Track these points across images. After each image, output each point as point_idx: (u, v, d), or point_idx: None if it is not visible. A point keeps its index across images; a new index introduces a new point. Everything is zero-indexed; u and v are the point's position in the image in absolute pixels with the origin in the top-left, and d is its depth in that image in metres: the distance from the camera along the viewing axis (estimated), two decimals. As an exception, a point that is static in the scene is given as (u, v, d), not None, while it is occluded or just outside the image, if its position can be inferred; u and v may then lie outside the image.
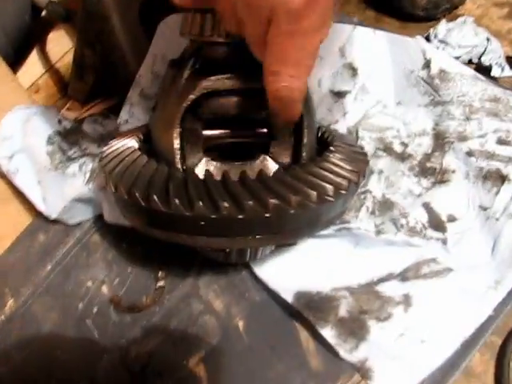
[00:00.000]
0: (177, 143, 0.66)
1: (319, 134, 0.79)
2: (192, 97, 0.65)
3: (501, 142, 0.82)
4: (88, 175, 0.86)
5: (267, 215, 0.59)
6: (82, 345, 0.82)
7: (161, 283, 0.85)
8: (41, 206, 0.90)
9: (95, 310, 0.85)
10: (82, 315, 0.85)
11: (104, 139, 0.95)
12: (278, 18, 0.50)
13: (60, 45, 1.24)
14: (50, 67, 1.23)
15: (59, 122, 0.93)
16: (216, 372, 0.77)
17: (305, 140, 0.69)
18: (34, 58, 1.21)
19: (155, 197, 0.59)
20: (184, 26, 0.67)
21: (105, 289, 0.87)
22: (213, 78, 0.65)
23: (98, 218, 0.93)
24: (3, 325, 0.86)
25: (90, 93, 1.23)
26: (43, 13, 1.18)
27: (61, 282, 0.89)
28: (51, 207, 0.89)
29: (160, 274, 0.85)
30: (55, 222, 0.93)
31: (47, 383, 0.81)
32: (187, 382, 0.77)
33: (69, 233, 0.93)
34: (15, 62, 1.15)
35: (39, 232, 0.94)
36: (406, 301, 0.75)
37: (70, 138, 0.91)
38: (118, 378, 0.79)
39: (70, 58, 1.23)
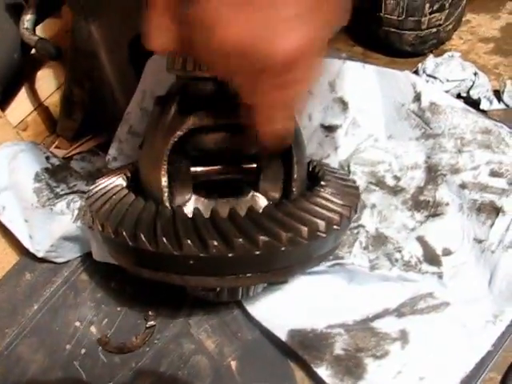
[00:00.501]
0: (164, 180, 0.65)
1: (310, 168, 0.78)
2: (179, 133, 0.64)
3: (494, 174, 0.81)
4: (76, 213, 0.84)
5: (257, 253, 0.57)
6: (70, 387, 0.80)
7: (151, 323, 0.82)
8: (28, 244, 0.88)
9: (83, 351, 0.82)
10: (70, 356, 0.82)
11: (93, 176, 0.94)
12: (266, 73, 0.49)
13: (49, 83, 1.24)
14: (38, 105, 1.23)
15: (47, 158, 0.92)
16: (209, 415, 0.75)
17: (295, 175, 0.68)
18: (22, 96, 1.20)
19: (142, 236, 0.58)
20: (170, 61, 0.67)
21: (93, 329, 0.84)
22: (199, 113, 0.64)
23: (86, 257, 0.91)
24: (-13, 368, 0.83)
25: (79, 130, 1.22)
26: (32, 51, 1.17)
27: (48, 323, 0.86)
28: (38, 245, 0.87)
29: (150, 313, 0.83)
30: (42, 260, 0.91)
31: (32, 429, 0.77)
32: (179, 426, 0.75)
33: (56, 272, 0.91)
34: (4, 100, 1.14)
35: (26, 271, 0.92)
36: (403, 337, 0.73)
37: (58, 175, 0.90)
38: (107, 422, 0.76)
39: (58, 96, 1.23)
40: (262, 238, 0.56)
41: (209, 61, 0.53)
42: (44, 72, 1.23)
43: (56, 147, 1.22)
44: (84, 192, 0.87)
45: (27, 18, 1.09)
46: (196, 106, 0.65)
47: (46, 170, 0.89)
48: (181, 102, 0.66)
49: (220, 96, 0.65)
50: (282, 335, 0.75)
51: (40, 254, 0.88)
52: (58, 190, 0.87)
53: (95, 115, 1.16)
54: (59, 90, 1.24)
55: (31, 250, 0.88)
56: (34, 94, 1.23)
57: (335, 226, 0.62)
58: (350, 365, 0.72)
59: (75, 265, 0.91)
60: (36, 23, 1.12)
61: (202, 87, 0.66)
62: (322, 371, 0.71)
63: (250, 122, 0.55)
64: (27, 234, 0.88)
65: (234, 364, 0.78)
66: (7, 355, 0.84)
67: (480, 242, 0.79)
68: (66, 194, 0.87)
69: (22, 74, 1.20)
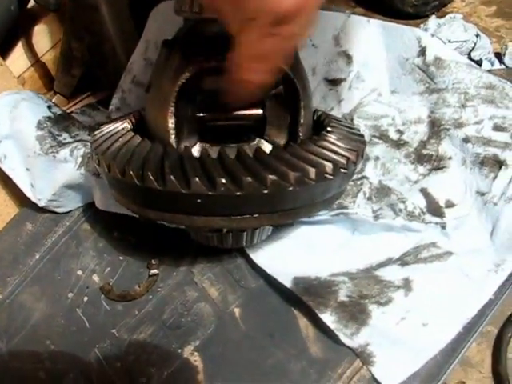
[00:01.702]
0: (171, 122, 0.65)
1: (315, 117, 0.78)
2: (187, 74, 0.64)
3: (497, 128, 0.82)
4: (80, 160, 0.84)
5: (265, 192, 0.57)
6: (73, 334, 0.80)
7: (154, 271, 0.82)
8: (29, 193, 0.87)
9: (86, 299, 0.83)
10: (72, 304, 0.82)
11: (94, 129, 0.93)
12: (262, 20, 0.49)
13: (46, 38, 1.22)
14: (35, 61, 1.21)
15: (49, 107, 0.91)
16: (212, 361, 0.75)
17: (302, 120, 0.69)
18: (19, 51, 1.18)
19: (150, 174, 0.57)
20: (178, 4, 0.66)
21: (96, 278, 0.84)
22: (207, 55, 0.64)
23: (88, 207, 0.90)
24: (-11, 315, 0.83)
25: (77, 88, 1.21)
26: (29, 5, 1.15)
27: (50, 271, 0.86)
28: (40, 194, 0.87)
29: (153, 262, 0.83)
30: (43, 211, 0.90)
31: (35, 374, 0.77)
32: (182, 371, 0.75)
33: (58, 221, 0.90)
34: (0, 55, 1.13)
35: (27, 221, 0.91)
36: (407, 285, 0.74)
37: (60, 124, 0.89)
38: (111, 368, 0.76)
39: (56, 51, 1.21)
40: (270, 176, 0.56)
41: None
42: (41, 27, 1.20)
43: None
44: (87, 141, 0.86)
45: (25, -31, 1.07)
46: (203, 48, 0.64)
47: (49, 118, 0.88)
48: (188, 44, 0.66)
49: (227, 38, 0.65)
50: (287, 282, 0.75)
51: (42, 203, 0.88)
52: (60, 138, 0.86)
53: (94, 71, 1.15)
54: (57, 46, 1.21)
55: (33, 198, 0.88)
56: (30, 49, 1.20)
57: (342, 169, 0.62)
58: (355, 311, 0.73)
59: (77, 215, 0.90)
60: (33, -25, 1.11)
61: (209, 29, 0.65)
62: (327, 317, 0.72)
63: (231, 68, 0.56)
64: (29, 182, 0.87)
65: (237, 311, 0.78)
66: (9, 303, 0.84)
67: (483, 194, 0.80)
68: (69, 142, 0.86)
69: (19, 28, 1.17)
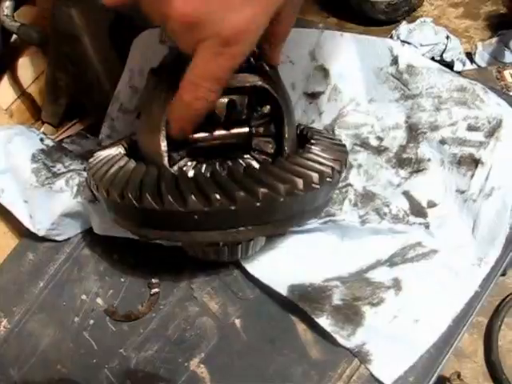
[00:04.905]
0: (164, 145, 0.69)
1: (298, 131, 0.82)
2: None
3: (471, 128, 0.85)
4: (75, 189, 0.87)
5: (258, 205, 0.61)
6: (82, 357, 0.83)
7: (155, 290, 0.86)
8: (28, 224, 0.90)
9: (91, 322, 0.86)
10: (79, 328, 0.85)
11: (85, 158, 0.96)
12: (209, 42, 0.56)
13: (30, 70, 1.25)
14: (22, 92, 1.24)
15: (41, 140, 0.94)
16: (218, 371, 0.79)
17: (286, 135, 0.72)
18: (5, 85, 1.21)
19: (148, 196, 0.61)
20: (162, 34, 0.69)
21: (99, 300, 0.87)
22: None
23: (87, 233, 0.93)
24: (-1, 345, 0.86)
25: (64, 116, 1.24)
26: (12, 38, 1.18)
27: (54, 298, 0.89)
28: (39, 224, 0.90)
29: (153, 281, 0.86)
30: (43, 240, 0.93)
31: (49, 398, 0.81)
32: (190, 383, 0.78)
33: (58, 249, 0.93)
34: (-14, 90, 1.16)
35: (28, 251, 0.94)
36: (396, 284, 0.78)
37: (53, 155, 0.92)
38: (121, 386, 0.80)
39: (41, 82, 1.24)
40: (261, 190, 0.60)
41: (158, 21, 0.58)
42: (25, 60, 1.23)
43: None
44: (80, 170, 0.89)
45: (6, 5, 1.10)
46: None
47: (42, 151, 0.92)
48: (176, 71, 0.69)
49: None
50: (283, 291, 0.79)
51: (41, 233, 0.90)
52: (54, 169, 0.90)
53: (80, 99, 1.18)
54: (41, 77, 1.24)
55: (32, 229, 0.90)
56: (16, 82, 1.24)
57: (328, 178, 0.66)
58: (349, 313, 0.76)
59: (76, 241, 0.93)
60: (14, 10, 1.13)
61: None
62: (323, 321, 0.76)
63: (183, 88, 0.62)
64: (27, 214, 0.90)
65: (238, 322, 0.82)
66: (18, 332, 0.87)
67: (462, 192, 0.84)
68: (64, 172, 0.89)
69: (3, 63, 1.20)
